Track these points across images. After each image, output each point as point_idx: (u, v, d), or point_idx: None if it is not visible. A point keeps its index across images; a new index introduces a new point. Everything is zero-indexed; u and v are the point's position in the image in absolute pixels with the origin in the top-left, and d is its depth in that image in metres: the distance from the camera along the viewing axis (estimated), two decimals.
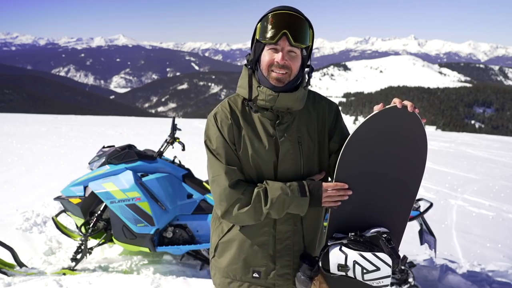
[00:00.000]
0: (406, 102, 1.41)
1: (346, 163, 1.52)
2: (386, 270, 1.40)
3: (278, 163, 1.55)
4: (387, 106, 1.43)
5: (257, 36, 1.52)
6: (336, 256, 1.47)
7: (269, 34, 1.47)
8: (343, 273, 1.47)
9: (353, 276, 1.45)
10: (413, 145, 1.49)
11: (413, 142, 1.48)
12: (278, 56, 1.48)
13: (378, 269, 1.40)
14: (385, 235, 1.46)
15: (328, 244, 1.51)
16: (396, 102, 1.41)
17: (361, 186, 1.54)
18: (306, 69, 1.61)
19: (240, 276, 1.65)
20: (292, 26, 1.46)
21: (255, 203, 1.49)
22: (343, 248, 1.46)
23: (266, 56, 1.51)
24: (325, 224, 3.54)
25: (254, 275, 1.62)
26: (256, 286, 1.65)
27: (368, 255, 1.41)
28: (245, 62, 1.63)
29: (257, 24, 1.52)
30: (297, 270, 1.60)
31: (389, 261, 1.40)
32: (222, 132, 1.55)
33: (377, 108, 1.45)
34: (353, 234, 1.49)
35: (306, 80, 1.61)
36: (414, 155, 1.50)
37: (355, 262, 1.43)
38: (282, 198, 1.47)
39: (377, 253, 1.41)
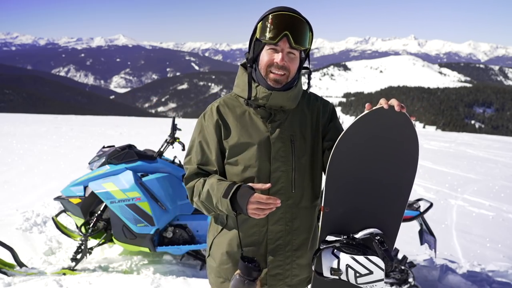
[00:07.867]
0: (393, 102, 1.37)
1: (336, 165, 1.50)
2: (379, 274, 1.38)
3: (271, 160, 1.55)
4: (374, 108, 1.40)
5: (257, 35, 1.52)
6: (328, 260, 1.45)
7: (270, 34, 1.47)
8: (336, 277, 1.45)
9: (346, 280, 1.43)
10: (404, 145, 1.46)
11: (403, 142, 1.46)
12: (278, 57, 1.49)
13: (371, 272, 1.38)
14: (378, 237, 1.45)
15: (321, 247, 1.49)
16: (382, 103, 1.38)
17: (352, 188, 1.52)
18: (303, 71, 1.63)
19: (232, 276, 1.64)
20: (293, 28, 1.46)
21: (191, 195, 1.60)
22: (336, 252, 1.44)
23: (266, 56, 1.51)
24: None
25: None
26: None
27: (360, 258, 1.39)
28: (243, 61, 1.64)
29: (257, 23, 1.52)
30: (288, 270, 1.61)
31: (382, 264, 1.37)
32: (207, 130, 1.59)
33: (367, 108, 1.43)
34: (345, 237, 1.48)
35: (306, 82, 1.62)
36: (405, 155, 1.48)
37: (347, 266, 1.40)
38: (209, 194, 1.51)
39: (370, 257, 1.39)
